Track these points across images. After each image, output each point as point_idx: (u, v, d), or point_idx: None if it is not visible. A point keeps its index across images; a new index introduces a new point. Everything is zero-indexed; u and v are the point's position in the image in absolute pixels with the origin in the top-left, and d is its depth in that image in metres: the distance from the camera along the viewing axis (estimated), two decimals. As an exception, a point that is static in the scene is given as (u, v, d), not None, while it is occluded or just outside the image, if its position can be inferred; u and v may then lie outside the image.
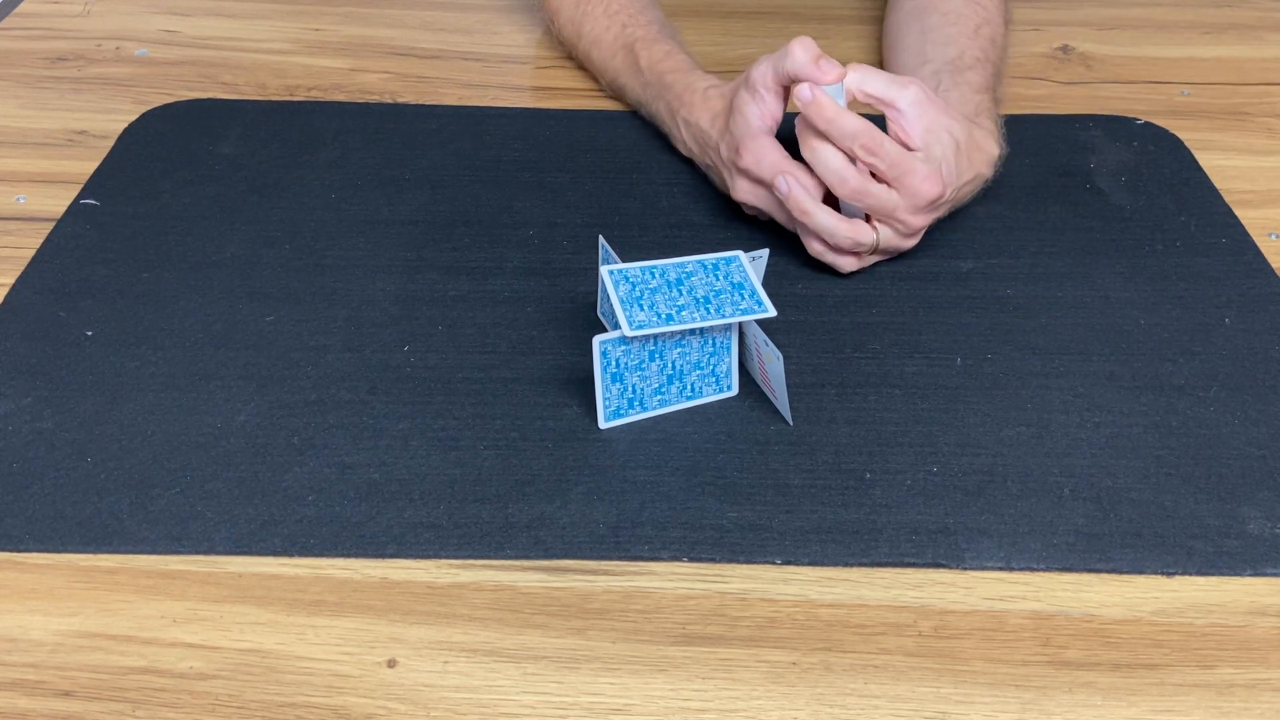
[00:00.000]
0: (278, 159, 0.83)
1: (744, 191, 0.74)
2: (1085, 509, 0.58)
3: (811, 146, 0.68)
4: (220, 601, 0.54)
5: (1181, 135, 0.88)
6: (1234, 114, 0.91)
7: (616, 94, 0.90)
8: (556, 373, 0.66)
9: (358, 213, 0.78)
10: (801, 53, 0.68)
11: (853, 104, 0.68)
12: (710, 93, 0.78)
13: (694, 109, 0.79)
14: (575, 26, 0.92)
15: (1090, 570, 0.56)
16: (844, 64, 0.68)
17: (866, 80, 0.68)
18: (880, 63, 0.95)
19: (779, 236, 0.75)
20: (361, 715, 0.49)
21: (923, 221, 0.70)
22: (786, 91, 0.71)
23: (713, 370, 0.63)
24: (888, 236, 0.70)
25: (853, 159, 0.67)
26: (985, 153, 0.73)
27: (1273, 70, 0.98)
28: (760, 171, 0.71)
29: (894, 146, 0.67)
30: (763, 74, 0.71)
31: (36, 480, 0.59)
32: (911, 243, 0.72)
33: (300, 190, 0.80)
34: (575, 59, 0.95)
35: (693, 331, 0.61)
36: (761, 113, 0.72)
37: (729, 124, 0.74)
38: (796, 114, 0.69)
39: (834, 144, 0.67)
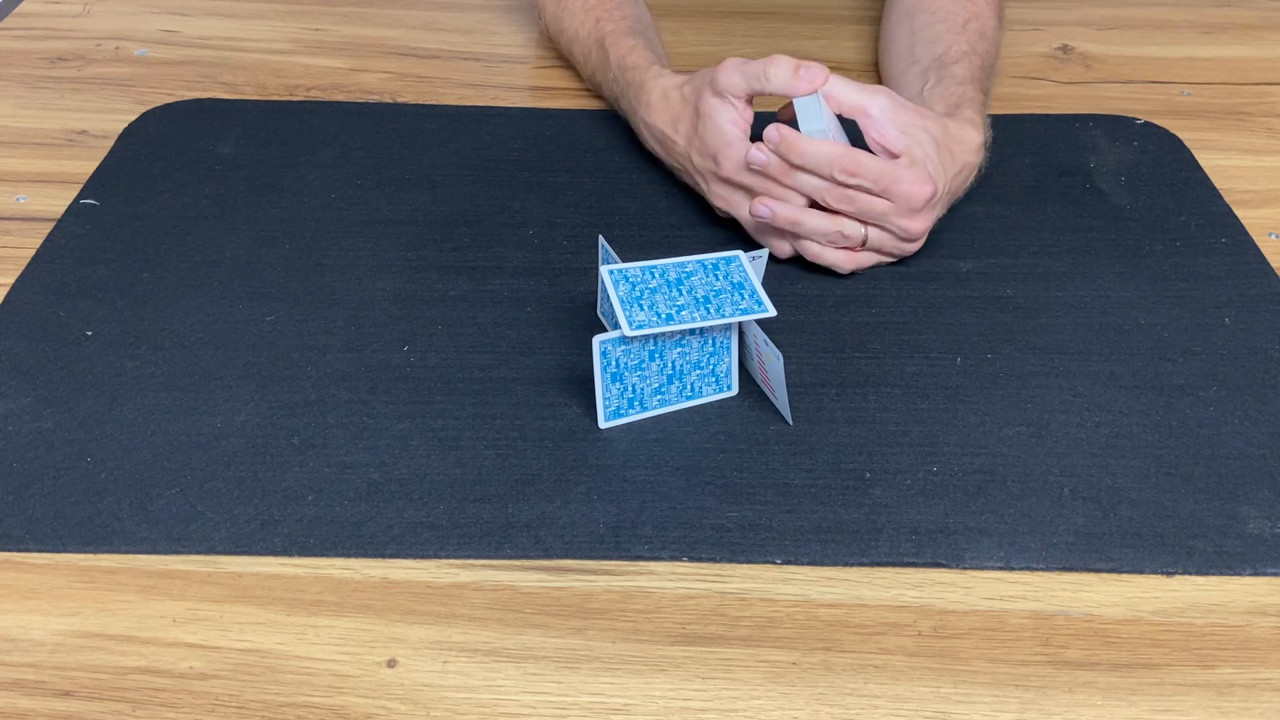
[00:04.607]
0: (278, 159, 0.83)
1: (719, 198, 0.74)
2: (1085, 509, 0.58)
3: (793, 184, 0.68)
4: (220, 601, 0.54)
5: (1181, 135, 0.88)
6: (1234, 114, 0.91)
7: (596, 90, 0.90)
8: (556, 373, 0.66)
9: (358, 213, 0.78)
10: (782, 73, 0.68)
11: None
12: (670, 94, 0.77)
13: (652, 110, 0.78)
14: (557, 23, 0.92)
15: (1090, 570, 0.56)
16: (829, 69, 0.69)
17: (834, 88, 0.69)
18: (876, 64, 0.95)
19: (779, 236, 0.75)
20: (361, 715, 0.49)
21: (922, 225, 0.70)
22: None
23: (713, 370, 0.63)
24: (882, 238, 0.70)
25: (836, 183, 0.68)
26: (967, 142, 0.73)
27: (1273, 70, 0.98)
28: (743, 179, 0.71)
29: (873, 161, 0.67)
30: (734, 84, 0.71)
31: (36, 480, 0.59)
32: (914, 246, 0.72)
33: (300, 190, 0.80)
34: (564, 57, 0.95)
35: (693, 331, 0.61)
36: (734, 118, 0.72)
37: (698, 130, 0.73)
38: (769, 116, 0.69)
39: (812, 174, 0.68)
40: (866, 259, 0.72)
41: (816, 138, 0.67)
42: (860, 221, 0.69)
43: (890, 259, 0.73)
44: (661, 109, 0.77)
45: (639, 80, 0.80)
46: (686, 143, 0.75)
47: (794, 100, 0.68)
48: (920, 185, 0.68)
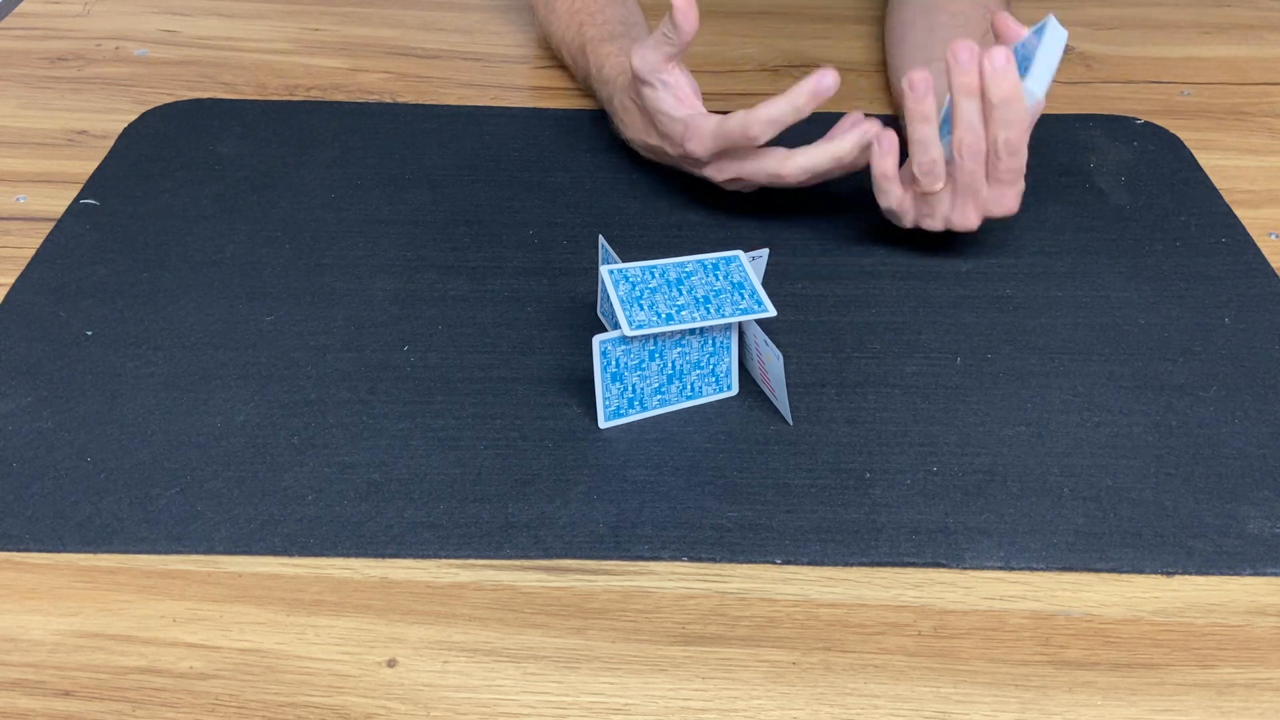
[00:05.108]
0: (278, 159, 0.83)
1: (717, 172, 0.73)
2: (1085, 509, 0.58)
3: (959, 102, 0.65)
4: (220, 601, 0.54)
5: (1181, 135, 0.88)
6: (1234, 114, 0.91)
7: (590, 94, 0.89)
8: (556, 373, 0.66)
9: (358, 213, 0.78)
10: (674, 21, 0.68)
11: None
12: (628, 104, 0.77)
13: (626, 125, 0.79)
14: (546, 27, 0.92)
15: (1090, 570, 0.56)
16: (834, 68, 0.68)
17: (1044, 76, 0.65)
18: (879, 63, 0.95)
19: (779, 236, 0.75)
20: (361, 715, 0.49)
21: (974, 223, 0.70)
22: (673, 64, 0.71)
23: (713, 370, 0.63)
24: (946, 206, 0.69)
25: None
26: None
27: (1273, 70, 0.98)
28: (720, 145, 0.70)
29: (1023, 159, 0.66)
30: (650, 62, 0.70)
31: (36, 480, 0.59)
32: (936, 227, 0.71)
33: (300, 190, 0.80)
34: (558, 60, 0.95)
35: (693, 331, 0.61)
36: (673, 97, 0.71)
37: (657, 127, 0.74)
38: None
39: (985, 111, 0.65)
40: (901, 202, 0.70)
41: (1024, 94, 0.64)
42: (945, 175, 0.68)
43: (901, 220, 0.71)
44: (629, 122, 0.78)
45: (608, 95, 0.80)
46: (661, 140, 0.75)
47: (1047, 28, 0.64)
48: (1013, 202, 0.68)
